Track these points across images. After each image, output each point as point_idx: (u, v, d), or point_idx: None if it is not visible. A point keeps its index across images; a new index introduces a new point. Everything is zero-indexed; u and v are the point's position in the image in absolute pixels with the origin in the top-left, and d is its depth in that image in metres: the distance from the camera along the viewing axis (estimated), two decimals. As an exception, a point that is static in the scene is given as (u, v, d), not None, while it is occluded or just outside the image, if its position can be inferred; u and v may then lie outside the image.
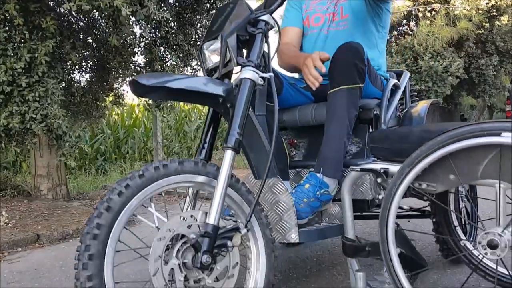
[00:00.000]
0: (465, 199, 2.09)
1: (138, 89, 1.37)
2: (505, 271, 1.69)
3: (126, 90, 5.47)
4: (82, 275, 1.14)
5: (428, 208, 2.13)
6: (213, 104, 1.53)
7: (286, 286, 1.91)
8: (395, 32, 10.41)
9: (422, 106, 2.11)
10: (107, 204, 1.20)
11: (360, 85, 1.72)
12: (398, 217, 2.06)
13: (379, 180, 1.50)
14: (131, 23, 3.50)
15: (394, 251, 1.37)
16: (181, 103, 10.78)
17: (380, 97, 1.98)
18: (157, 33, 3.90)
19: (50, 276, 2.29)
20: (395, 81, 2.09)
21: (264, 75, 1.45)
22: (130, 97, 10.37)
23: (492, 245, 1.23)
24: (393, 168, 1.48)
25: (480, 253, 1.25)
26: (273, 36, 1.61)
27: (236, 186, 1.43)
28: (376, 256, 1.56)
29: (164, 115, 4.21)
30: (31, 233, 2.99)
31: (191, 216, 1.31)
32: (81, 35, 4.58)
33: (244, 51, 1.54)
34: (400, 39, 9.83)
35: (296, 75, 2.13)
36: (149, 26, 3.55)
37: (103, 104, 5.51)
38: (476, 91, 10.14)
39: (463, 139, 1.26)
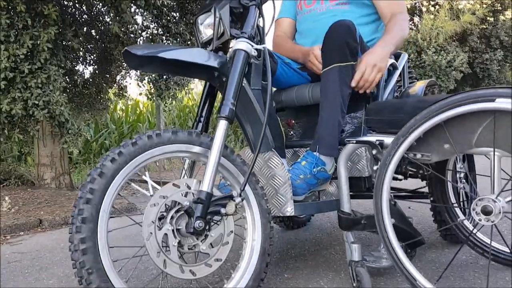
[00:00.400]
0: (464, 180, 2.08)
1: (132, 60, 1.38)
2: (500, 247, 1.69)
3: (129, 82, 5.51)
4: (75, 238, 1.15)
5: (426, 190, 2.13)
6: (208, 78, 1.54)
7: (284, 264, 1.91)
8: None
9: (419, 86, 2.10)
10: (100, 170, 1.21)
11: (352, 62, 1.72)
12: (396, 197, 2.06)
13: (374, 151, 1.50)
14: (132, 10, 3.51)
15: (388, 221, 1.38)
16: (185, 99, 10.84)
17: (377, 74, 1.97)
18: (159, 22, 3.91)
19: (51, 256, 2.31)
20: (392, 61, 2.07)
21: (258, 46, 1.46)
22: (134, 92, 10.42)
23: (486, 211, 1.23)
24: (388, 140, 1.48)
25: (475, 220, 1.25)
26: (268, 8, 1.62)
27: (230, 157, 1.43)
28: (371, 229, 1.57)
29: (166, 105, 4.22)
30: (34, 218, 3.02)
31: (185, 184, 1.32)
32: (85, 28, 4.62)
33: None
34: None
35: None
36: (150, 14, 3.56)
37: (106, 97, 5.55)
38: (480, 85, 10.10)
39: (457, 106, 1.26)
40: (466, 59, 8.84)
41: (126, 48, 1.32)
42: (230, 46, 1.55)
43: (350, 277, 1.51)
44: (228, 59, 1.45)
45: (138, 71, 4.68)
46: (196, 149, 1.38)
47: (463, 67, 8.72)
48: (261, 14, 1.52)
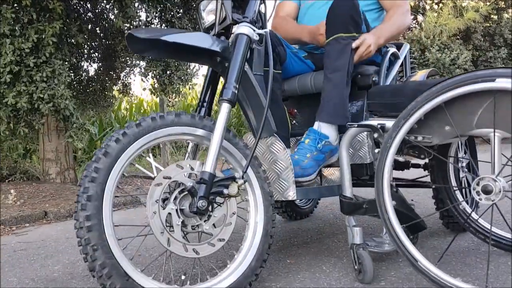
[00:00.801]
0: (465, 169, 2.09)
1: (135, 44, 1.40)
2: (502, 233, 1.70)
3: (133, 79, 5.54)
4: (81, 215, 1.17)
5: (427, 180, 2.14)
6: (210, 63, 1.55)
7: (287, 251, 1.93)
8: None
9: (420, 75, 2.11)
10: (105, 150, 1.23)
11: (355, 34, 1.74)
12: (399, 186, 2.06)
13: (375, 135, 1.52)
14: (136, 5, 3.54)
15: (389, 203, 1.39)
16: (189, 98, 10.87)
17: (379, 61, 1.99)
18: (162, 17, 3.94)
19: (56, 245, 2.33)
20: (394, 49, 2.09)
21: (260, 31, 1.48)
22: (138, 91, 10.46)
23: (487, 191, 1.24)
24: (390, 123, 1.49)
25: (475, 199, 1.26)
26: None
27: (233, 141, 1.45)
28: (373, 213, 1.57)
29: (169, 103, 4.24)
30: (39, 210, 3.05)
31: (189, 165, 1.33)
32: (89, 26, 4.65)
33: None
34: (407, 32, 9.78)
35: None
36: (154, 9, 3.59)
37: (110, 94, 5.58)
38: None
39: (458, 87, 1.26)
40: (470, 57, 8.81)
41: (129, 31, 1.34)
42: (232, 32, 1.57)
43: (352, 260, 1.53)
44: (230, 43, 1.46)
45: (142, 67, 4.72)
46: (200, 132, 1.39)
47: (466, 65, 8.68)
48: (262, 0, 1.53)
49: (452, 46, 8.83)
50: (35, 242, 2.44)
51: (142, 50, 1.45)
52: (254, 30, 1.46)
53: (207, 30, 1.58)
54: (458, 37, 9.09)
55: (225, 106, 1.37)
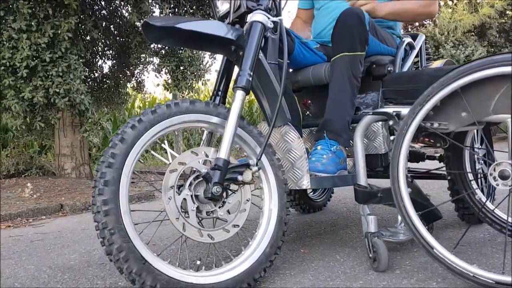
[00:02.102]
0: (482, 161, 2.06)
1: (151, 33, 1.41)
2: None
3: (146, 76, 5.59)
4: (98, 200, 1.18)
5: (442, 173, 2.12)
6: (225, 52, 1.56)
7: (301, 241, 1.93)
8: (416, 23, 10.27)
9: (436, 65, 2.10)
10: (121, 136, 1.25)
11: (361, 53, 1.74)
12: (415, 178, 2.05)
13: (391, 122, 1.51)
14: (150, 0, 3.57)
15: (405, 190, 1.38)
16: (202, 96, 10.92)
17: (394, 54, 1.98)
18: (176, 13, 3.96)
19: (72, 236, 2.37)
20: (409, 40, 2.08)
21: (275, 19, 1.48)
22: (151, 89, 10.53)
23: (503, 176, 1.23)
24: (405, 110, 1.48)
25: (492, 185, 1.24)
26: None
27: (247, 128, 1.46)
28: (387, 202, 1.57)
29: (183, 96, 4.27)
30: (55, 203, 3.09)
31: (203, 152, 1.34)
32: (104, 23, 4.70)
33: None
34: (421, 28, 9.69)
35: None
36: (167, 4, 3.61)
37: (124, 91, 5.63)
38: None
39: (474, 72, 1.25)
40: (484, 53, 8.69)
41: (145, 19, 1.35)
42: (247, 20, 1.57)
43: (366, 248, 1.52)
44: (244, 32, 1.47)
45: (156, 64, 4.76)
46: (214, 119, 1.40)
47: (482, 62, 8.57)
48: (277, -13, 1.54)
49: (466, 43, 8.73)
50: (51, 233, 2.48)
51: (158, 38, 1.46)
52: (268, 18, 1.46)
53: (222, 19, 1.58)
54: (473, 33, 8.98)
55: (240, 94, 1.38)
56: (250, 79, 1.39)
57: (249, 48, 1.41)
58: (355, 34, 1.71)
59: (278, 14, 1.55)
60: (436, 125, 1.39)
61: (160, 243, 2.04)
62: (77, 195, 3.35)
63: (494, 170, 1.24)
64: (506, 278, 1.19)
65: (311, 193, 2.71)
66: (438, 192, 2.84)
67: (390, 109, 1.51)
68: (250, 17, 1.46)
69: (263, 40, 1.50)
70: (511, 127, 1.25)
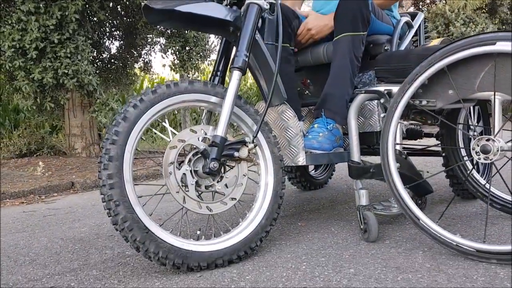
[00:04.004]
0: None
1: (151, 15, 1.48)
2: (500, 193, 1.74)
3: (153, 56, 5.65)
4: (103, 174, 1.27)
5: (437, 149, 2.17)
6: (223, 33, 1.62)
7: (299, 216, 2.01)
8: (427, 0, 10.12)
9: (434, 44, 2.12)
10: (124, 115, 1.32)
11: (363, 33, 1.77)
12: (410, 155, 2.11)
13: (382, 100, 1.57)
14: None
15: (393, 165, 1.45)
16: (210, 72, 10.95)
17: (392, 33, 2.01)
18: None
19: (83, 211, 2.49)
20: (407, 19, 2.11)
21: (271, 0, 1.53)
22: (159, 70, 10.56)
23: (485, 150, 1.29)
24: (396, 88, 1.54)
25: (474, 159, 1.31)
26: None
27: (244, 107, 1.53)
28: (379, 177, 1.64)
29: (189, 77, 4.33)
30: (66, 181, 3.21)
31: (202, 130, 1.42)
32: (111, 4, 4.75)
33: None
34: (431, 6, 9.56)
35: None
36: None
37: (132, 72, 5.70)
38: None
39: (460, 51, 1.31)
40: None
41: (145, 2, 1.42)
42: (244, 1, 1.62)
43: (358, 221, 1.60)
44: (241, 13, 1.52)
45: (162, 44, 4.81)
46: (213, 99, 1.47)
47: (492, 39, 8.46)
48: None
49: (477, 20, 8.61)
50: (63, 208, 2.60)
51: (158, 21, 1.53)
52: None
53: (220, 1, 1.63)
54: (484, 10, 8.83)
55: (236, 74, 1.44)
56: (247, 59, 1.45)
57: (245, 30, 1.47)
58: (358, 14, 1.73)
59: (274, -4, 1.60)
60: (424, 102, 1.45)
61: (166, 217, 2.14)
62: (88, 173, 3.47)
63: (477, 145, 1.31)
64: (486, 246, 1.27)
65: (312, 171, 2.78)
66: (437, 170, 2.89)
67: (381, 88, 1.57)
68: (247, -1, 1.51)
69: (260, 21, 1.56)
70: (495, 104, 1.31)
